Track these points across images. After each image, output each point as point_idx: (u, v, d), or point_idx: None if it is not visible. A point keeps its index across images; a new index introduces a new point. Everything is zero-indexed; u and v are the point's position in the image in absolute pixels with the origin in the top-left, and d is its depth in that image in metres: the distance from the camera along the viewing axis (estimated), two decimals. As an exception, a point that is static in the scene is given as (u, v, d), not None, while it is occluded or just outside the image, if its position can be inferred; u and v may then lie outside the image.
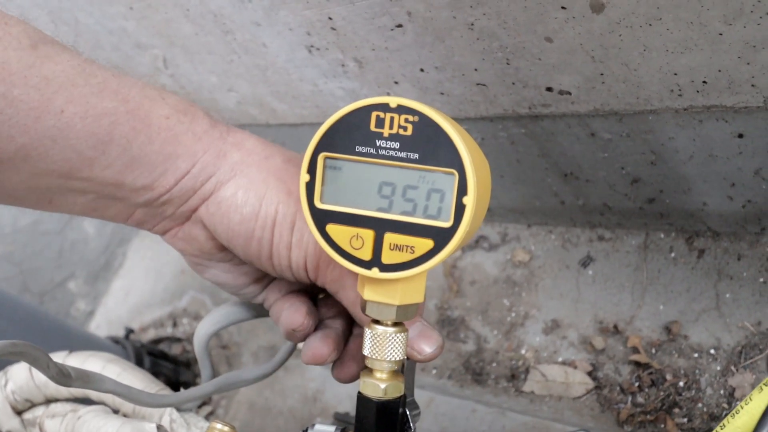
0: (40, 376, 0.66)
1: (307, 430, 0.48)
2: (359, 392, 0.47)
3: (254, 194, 0.44)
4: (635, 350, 0.66)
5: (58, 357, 0.67)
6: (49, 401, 0.67)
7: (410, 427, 0.49)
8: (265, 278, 0.51)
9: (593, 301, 0.71)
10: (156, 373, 1.04)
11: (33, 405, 0.68)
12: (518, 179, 0.72)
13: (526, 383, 0.71)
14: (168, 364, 1.05)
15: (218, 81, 0.75)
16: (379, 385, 0.46)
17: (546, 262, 0.77)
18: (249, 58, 0.69)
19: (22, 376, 0.67)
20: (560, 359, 0.70)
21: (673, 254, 0.69)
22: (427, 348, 0.46)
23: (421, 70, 0.60)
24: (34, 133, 0.40)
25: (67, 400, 0.67)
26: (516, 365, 0.73)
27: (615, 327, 0.68)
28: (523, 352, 0.73)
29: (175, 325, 1.17)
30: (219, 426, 0.46)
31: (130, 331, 1.07)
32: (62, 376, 0.42)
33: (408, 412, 0.48)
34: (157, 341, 1.15)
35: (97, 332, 1.22)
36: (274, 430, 0.83)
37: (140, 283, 1.22)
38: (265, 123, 0.81)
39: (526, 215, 0.78)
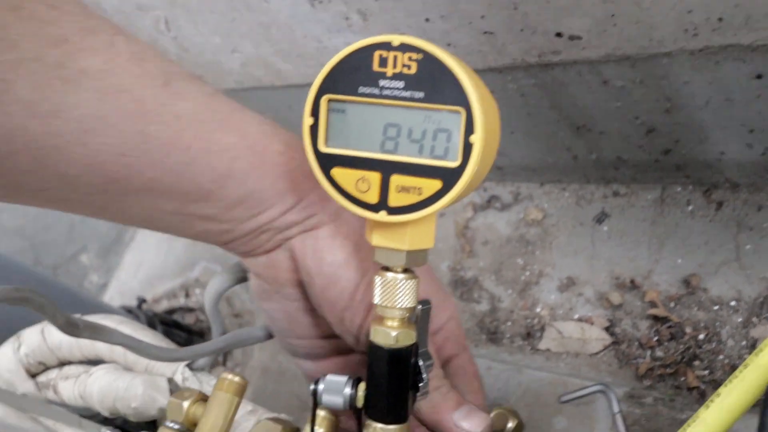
0: (52, 339, 0.66)
1: (318, 381, 0.47)
2: (370, 341, 0.46)
3: (353, 244, 0.46)
4: (653, 304, 0.65)
5: (70, 321, 0.66)
6: (62, 364, 0.67)
7: (423, 378, 0.48)
8: (316, 337, 0.51)
9: (609, 257, 0.70)
10: (169, 342, 1.04)
11: (47, 368, 0.68)
12: (529, 134, 0.70)
13: (542, 341, 0.70)
14: (181, 333, 1.05)
15: (221, 42, 0.74)
16: (390, 333, 0.45)
17: (560, 220, 0.75)
18: (251, 15, 0.67)
19: (34, 339, 0.67)
20: (576, 316, 0.69)
21: (690, 207, 0.67)
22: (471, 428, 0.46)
23: (427, 20, 0.59)
24: (162, 167, 0.41)
25: (80, 362, 0.67)
26: (531, 323, 0.72)
27: (632, 282, 0.67)
28: (538, 310, 0.72)
29: (187, 295, 1.17)
30: (229, 377, 0.46)
31: (142, 301, 1.07)
32: (70, 326, 0.42)
33: (421, 362, 0.48)
34: (170, 312, 1.15)
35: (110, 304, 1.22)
36: (288, 395, 0.82)
37: (152, 255, 1.22)
38: (271, 85, 0.80)
39: (539, 173, 0.77)
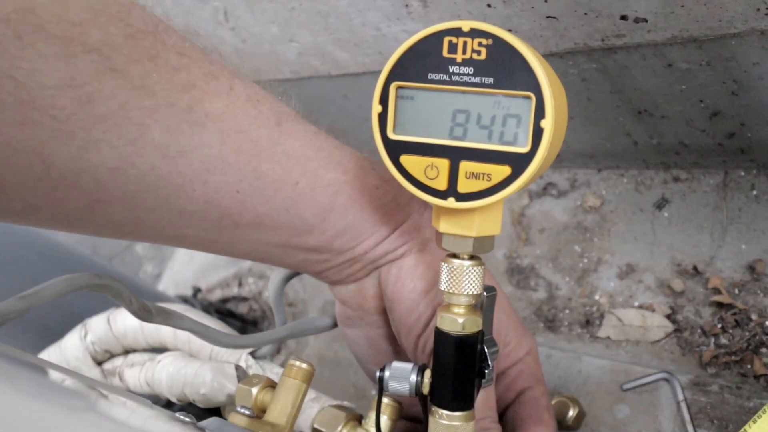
0: (118, 327, 0.67)
1: (384, 368, 0.47)
2: (436, 327, 0.46)
3: (433, 273, 0.48)
4: (717, 291, 0.63)
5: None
6: (127, 352, 0.69)
7: (488, 365, 0.48)
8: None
9: (670, 243, 0.69)
10: (225, 331, 1.05)
11: (112, 355, 0.69)
12: (589, 120, 0.69)
13: (602, 328, 0.69)
14: (236, 321, 1.06)
15: (279, 31, 0.75)
16: (457, 320, 0.45)
17: (618, 206, 0.74)
18: (310, 4, 0.68)
19: (101, 327, 0.68)
20: (636, 303, 0.68)
21: (755, 192, 0.66)
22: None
23: (488, 5, 0.58)
24: (273, 203, 0.44)
25: (145, 350, 0.68)
26: (590, 311, 0.71)
27: (694, 268, 0.66)
28: (597, 297, 0.71)
29: (240, 285, 1.18)
30: (297, 363, 0.46)
31: (197, 290, 1.09)
32: (144, 311, 0.43)
33: (486, 349, 0.48)
34: (224, 301, 1.16)
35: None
36: (344, 382, 0.83)
37: (206, 245, 1.23)
38: (327, 74, 0.80)
39: (597, 159, 0.76)
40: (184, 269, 1.27)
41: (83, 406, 0.35)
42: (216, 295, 1.18)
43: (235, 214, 0.44)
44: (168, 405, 0.70)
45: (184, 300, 1.06)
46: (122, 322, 0.66)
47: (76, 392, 0.48)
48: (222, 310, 1.08)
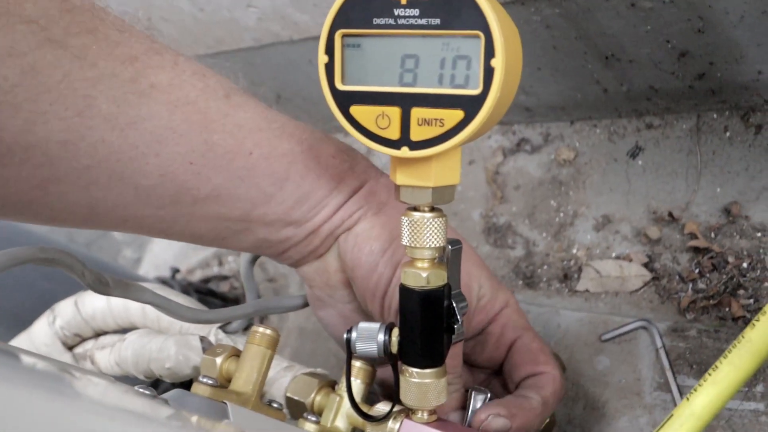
0: (86, 309, 0.66)
1: (351, 329, 0.46)
2: (401, 284, 0.45)
3: (389, 233, 0.47)
4: (693, 236, 0.62)
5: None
6: (97, 334, 0.67)
7: (457, 320, 0.47)
8: None
9: (645, 191, 0.68)
10: (205, 310, 1.04)
11: (83, 339, 0.68)
12: (556, 69, 0.68)
13: (580, 282, 0.68)
14: (216, 300, 1.05)
15: (236, -3, 0.73)
16: (421, 274, 0.44)
17: (592, 158, 0.73)
18: (263, -35, 0.66)
19: (69, 311, 0.67)
20: (614, 254, 0.67)
21: (728, 134, 0.64)
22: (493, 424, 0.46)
23: (443, -46, 0.56)
24: (227, 173, 0.44)
25: (115, 331, 0.67)
26: (568, 265, 0.70)
27: (670, 215, 0.65)
28: (574, 251, 0.70)
29: (220, 264, 1.17)
30: (261, 329, 0.45)
31: (176, 271, 1.08)
32: (99, 283, 0.41)
33: (454, 304, 0.46)
34: (205, 281, 1.15)
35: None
36: (326, 352, 0.82)
37: (184, 226, 1.22)
38: (289, 39, 0.78)
39: (568, 111, 0.74)
40: (163, 252, 1.26)
41: (37, 382, 0.34)
42: (197, 276, 1.17)
43: (192, 188, 0.44)
44: (154, 385, 0.69)
45: (163, 282, 1.05)
46: (90, 304, 0.65)
47: (38, 371, 0.47)
48: (202, 290, 1.07)
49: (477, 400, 0.47)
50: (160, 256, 1.25)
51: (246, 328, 0.60)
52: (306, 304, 0.55)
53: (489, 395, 0.47)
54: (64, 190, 0.40)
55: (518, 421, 0.46)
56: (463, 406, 0.49)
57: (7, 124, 0.37)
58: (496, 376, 0.54)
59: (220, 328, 0.59)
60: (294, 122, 0.47)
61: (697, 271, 0.61)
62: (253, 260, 0.56)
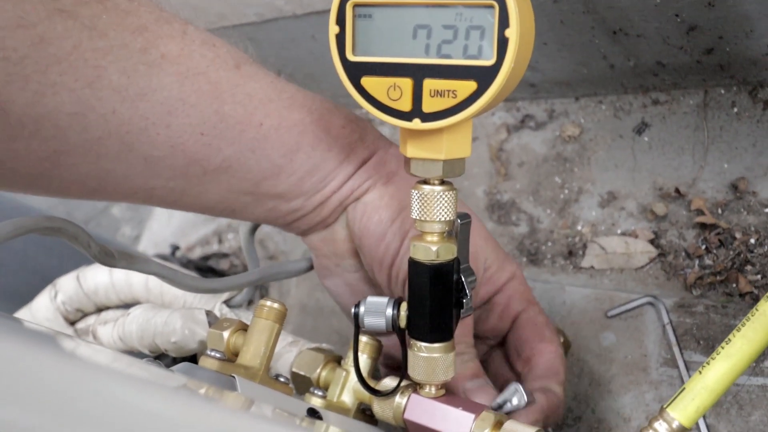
0: (88, 284, 0.65)
1: (358, 304, 0.46)
2: (410, 258, 0.44)
3: (398, 203, 0.47)
4: (700, 212, 0.62)
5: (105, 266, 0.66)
6: (99, 309, 0.67)
7: (466, 294, 0.46)
8: None
9: (651, 167, 0.67)
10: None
11: (85, 314, 0.67)
12: (563, 44, 0.67)
13: (585, 258, 0.68)
14: (216, 278, 1.04)
15: (238, -30, 0.72)
16: (431, 248, 0.43)
17: (597, 134, 0.73)
18: (266, -64, 0.65)
19: (71, 285, 0.66)
20: (619, 231, 0.67)
21: (735, 109, 0.64)
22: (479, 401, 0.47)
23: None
24: (238, 144, 0.44)
25: (117, 306, 0.66)
26: (572, 242, 0.70)
27: (677, 191, 0.64)
28: (579, 228, 0.70)
29: (220, 241, 1.16)
30: (268, 303, 0.45)
31: (176, 248, 1.07)
32: (105, 255, 0.41)
33: (463, 278, 0.46)
34: (205, 258, 1.15)
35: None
36: (328, 329, 0.82)
37: (183, 203, 1.21)
38: (292, 14, 0.77)
39: (573, 87, 0.74)
40: (162, 229, 1.25)
41: (44, 344, 0.34)
42: (196, 253, 1.16)
43: (202, 159, 0.43)
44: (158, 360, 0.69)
45: (163, 258, 1.04)
46: (92, 279, 0.64)
47: (48, 335, 0.46)
48: (202, 267, 1.07)
49: (513, 396, 0.46)
50: (159, 233, 1.25)
51: (250, 303, 0.60)
52: (311, 267, 0.55)
53: (526, 397, 0.46)
54: (74, 161, 0.40)
55: (552, 418, 0.47)
56: (480, 375, 0.49)
57: (17, 97, 0.36)
58: (498, 348, 0.54)
59: (225, 302, 0.58)
60: (304, 92, 0.47)
61: (703, 247, 0.61)
62: (253, 230, 0.56)
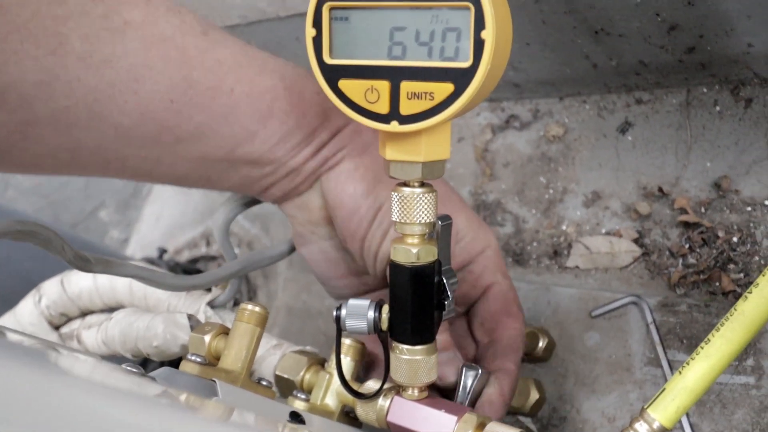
0: (72, 289, 0.65)
1: (340, 306, 0.46)
2: (391, 260, 0.44)
3: (373, 175, 0.47)
4: (683, 211, 0.62)
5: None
6: (84, 314, 0.67)
7: (448, 296, 0.46)
8: (355, 274, 0.53)
9: (635, 167, 0.68)
10: (193, 290, 1.03)
11: (69, 319, 0.67)
12: (546, 45, 0.67)
13: (570, 258, 0.68)
14: (204, 279, 1.04)
15: (220, -28, 0.71)
16: (411, 250, 0.43)
17: (582, 134, 0.73)
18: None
19: (54, 290, 0.66)
20: (604, 230, 0.67)
21: (717, 108, 0.64)
22: (450, 376, 0.48)
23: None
24: (210, 111, 0.43)
25: (102, 311, 0.66)
26: (557, 242, 0.70)
27: (660, 190, 0.64)
28: (564, 228, 0.70)
29: (208, 244, 1.16)
30: (249, 306, 0.44)
31: (163, 251, 1.07)
32: (80, 260, 0.41)
33: (445, 280, 0.46)
34: (193, 261, 1.14)
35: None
36: (315, 331, 0.82)
37: (170, 206, 1.21)
38: (276, 16, 0.77)
39: (557, 87, 0.74)
40: (150, 232, 1.25)
41: (22, 358, 0.33)
42: (184, 256, 1.16)
43: (174, 126, 0.43)
44: (143, 365, 0.68)
45: (150, 262, 1.04)
46: (76, 283, 0.64)
47: (24, 348, 0.46)
48: (190, 270, 1.06)
49: (468, 377, 0.47)
50: (148, 236, 1.24)
51: (235, 304, 0.59)
52: (293, 249, 0.55)
53: (480, 371, 0.47)
54: (43, 132, 0.39)
55: (509, 395, 0.48)
56: (447, 348, 0.49)
57: None
58: (463, 316, 0.54)
59: (209, 304, 0.58)
60: (275, 58, 0.47)
61: (687, 246, 0.61)
62: (228, 222, 0.55)
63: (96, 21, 0.39)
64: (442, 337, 0.48)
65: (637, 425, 0.40)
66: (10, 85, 0.37)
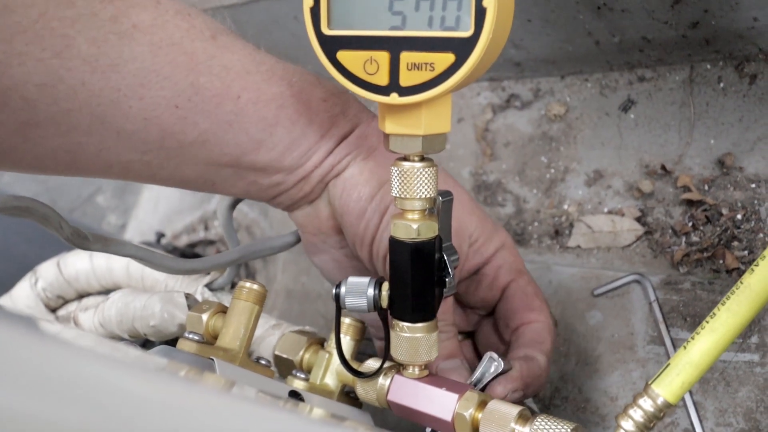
0: (69, 271, 0.64)
1: (339, 284, 0.45)
2: (391, 237, 0.44)
3: (377, 179, 0.46)
4: (686, 189, 0.61)
5: (86, 253, 0.65)
6: (81, 296, 0.66)
7: (449, 273, 0.46)
8: None
9: (637, 145, 0.67)
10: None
11: (66, 301, 0.66)
12: (547, 21, 0.66)
13: (571, 238, 0.67)
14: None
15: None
16: (411, 226, 0.43)
17: (583, 112, 0.72)
18: None
19: (51, 272, 0.65)
20: (606, 209, 0.66)
21: (721, 84, 0.63)
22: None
23: None
24: (215, 118, 0.43)
25: (99, 293, 0.65)
26: (559, 221, 0.69)
27: (663, 168, 0.64)
28: (565, 207, 0.69)
29: (206, 228, 1.15)
30: (247, 284, 0.44)
31: (161, 236, 1.06)
32: (78, 237, 0.40)
33: (446, 257, 0.45)
34: (192, 246, 1.14)
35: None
36: (314, 314, 0.81)
37: (168, 191, 1.20)
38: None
39: (559, 65, 0.73)
40: (148, 217, 1.24)
41: (22, 327, 0.33)
42: (183, 241, 1.15)
43: (178, 132, 0.43)
44: (142, 347, 0.68)
45: (148, 246, 1.03)
46: (73, 265, 0.64)
47: (27, 318, 0.45)
48: (188, 255, 1.06)
49: (490, 366, 0.46)
50: (145, 221, 1.24)
51: (233, 286, 0.59)
52: (298, 240, 0.54)
53: (503, 365, 0.46)
54: (44, 134, 0.39)
55: (532, 388, 0.47)
56: (457, 355, 0.48)
57: None
58: (488, 317, 0.53)
59: (206, 286, 0.57)
60: (283, 64, 0.46)
61: (690, 224, 0.60)
62: (232, 206, 0.55)
63: (104, 24, 0.38)
64: (448, 344, 0.48)
65: (641, 401, 0.39)
66: (13, 87, 0.36)
